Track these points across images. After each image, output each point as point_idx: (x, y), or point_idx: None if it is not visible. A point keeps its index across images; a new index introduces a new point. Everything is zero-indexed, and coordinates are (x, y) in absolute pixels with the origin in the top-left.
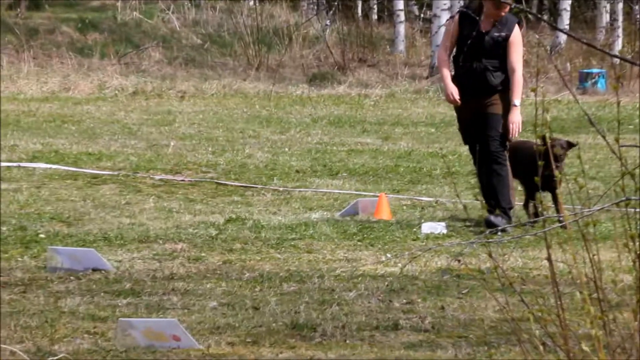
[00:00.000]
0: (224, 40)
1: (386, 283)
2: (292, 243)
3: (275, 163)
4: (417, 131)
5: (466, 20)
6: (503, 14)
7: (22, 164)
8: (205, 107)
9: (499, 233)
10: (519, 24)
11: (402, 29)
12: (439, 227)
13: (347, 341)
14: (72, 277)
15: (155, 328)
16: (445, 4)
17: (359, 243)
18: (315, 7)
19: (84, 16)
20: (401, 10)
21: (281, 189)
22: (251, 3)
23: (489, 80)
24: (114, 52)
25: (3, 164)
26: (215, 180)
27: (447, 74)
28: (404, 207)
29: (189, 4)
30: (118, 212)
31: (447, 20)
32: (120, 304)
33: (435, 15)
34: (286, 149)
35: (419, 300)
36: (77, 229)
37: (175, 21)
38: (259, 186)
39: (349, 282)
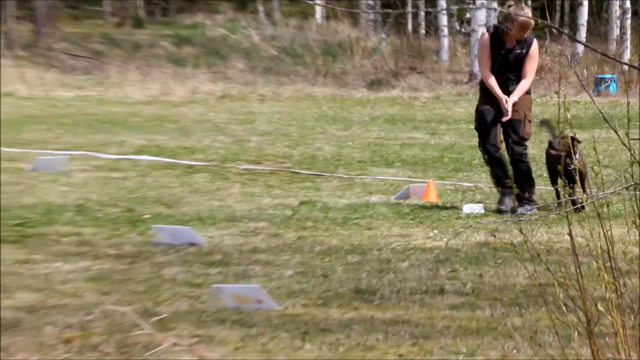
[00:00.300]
0: (296, 52)
1: (433, 255)
2: (355, 222)
3: (340, 155)
4: (459, 127)
5: (495, 40)
6: (526, 36)
7: (129, 157)
8: (281, 108)
9: (528, 213)
10: (536, 39)
11: (445, 41)
12: (478, 208)
13: (401, 303)
14: (172, 251)
15: (242, 293)
16: (481, 21)
17: (410, 221)
18: (373, 24)
19: (179, 33)
20: (445, 25)
21: (345, 176)
22: (319, 20)
23: (510, 89)
24: (204, 62)
25: (114, 156)
26: (291, 169)
27: (496, 85)
28: (448, 191)
29: (267, 21)
30: (209, 196)
31: (481, 34)
32: (212, 273)
33: (473, 30)
34: (349, 143)
35: (461, 269)
36: (175, 210)
37: (255, 36)
38: (327, 174)
39: (403, 254)
